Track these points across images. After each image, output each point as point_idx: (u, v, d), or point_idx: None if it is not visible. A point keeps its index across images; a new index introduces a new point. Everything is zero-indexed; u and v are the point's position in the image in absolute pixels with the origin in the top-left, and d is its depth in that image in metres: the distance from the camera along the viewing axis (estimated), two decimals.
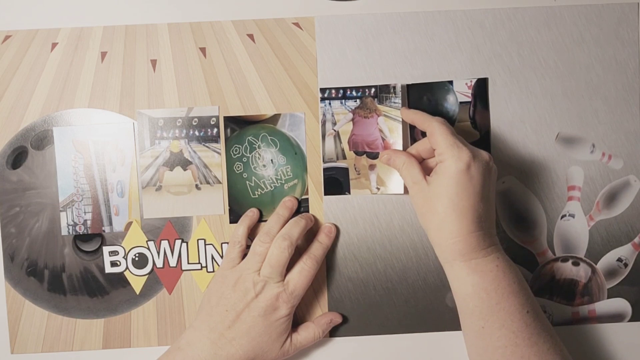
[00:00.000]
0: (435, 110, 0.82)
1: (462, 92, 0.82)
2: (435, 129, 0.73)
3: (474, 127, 0.82)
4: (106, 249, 0.82)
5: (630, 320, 0.84)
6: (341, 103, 0.82)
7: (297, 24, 0.81)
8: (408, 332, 0.84)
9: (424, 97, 0.82)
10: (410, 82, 0.82)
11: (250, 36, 0.81)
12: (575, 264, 0.83)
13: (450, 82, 0.82)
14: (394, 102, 0.81)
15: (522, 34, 0.82)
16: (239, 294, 0.76)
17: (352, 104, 0.82)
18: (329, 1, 0.81)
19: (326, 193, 0.83)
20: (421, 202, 0.73)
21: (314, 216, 0.83)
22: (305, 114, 0.82)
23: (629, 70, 0.82)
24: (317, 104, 0.82)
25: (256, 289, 0.76)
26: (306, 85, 0.82)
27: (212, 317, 0.76)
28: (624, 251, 0.83)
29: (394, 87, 0.81)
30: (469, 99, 0.82)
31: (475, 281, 0.71)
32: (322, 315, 0.83)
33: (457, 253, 0.71)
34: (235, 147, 0.82)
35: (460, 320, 0.74)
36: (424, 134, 0.79)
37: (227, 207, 0.82)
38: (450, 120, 0.81)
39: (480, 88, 0.82)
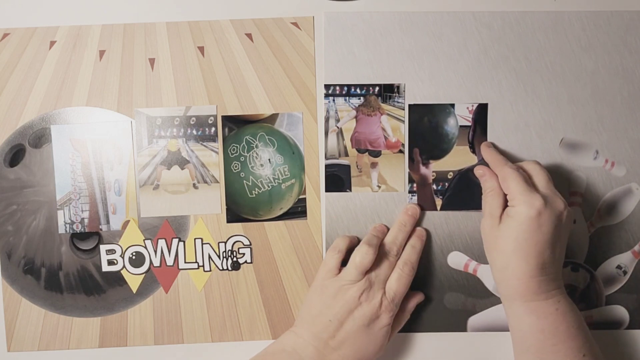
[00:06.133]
0: (436, 131, 0.82)
1: (463, 115, 0.81)
2: (507, 175, 0.73)
3: (473, 152, 0.82)
4: (103, 248, 0.82)
5: (627, 328, 0.84)
6: (345, 100, 0.81)
7: (295, 24, 0.81)
8: (405, 332, 0.84)
9: (424, 118, 0.81)
10: (413, 83, 0.81)
11: (249, 35, 0.81)
12: (575, 269, 0.83)
13: (452, 105, 0.81)
14: (398, 102, 0.81)
15: (530, 38, 0.81)
16: (341, 303, 0.76)
17: (355, 101, 0.81)
18: (328, 1, 0.80)
19: (327, 190, 0.82)
20: (489, 238, 0.74)
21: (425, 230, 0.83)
22: (303, 113, 0.82)
23: (635, 78, 0.81)
24: (315, 103, 0.81)
25: (361, 298, 0.75)
26: (304, 85, 0.81)
27: (315, 326, 0.76)
28: (624, 259, 0.83)
29: (398, 87, 0.81)
30: (469, 124, 0.81)
31: (533, 322, 0.71)
32: (406, 299, 0.81)
33: (518, 294, 0.72)
34: (233, 146, 0.82)
35: (514, 355, 0.75)
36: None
37: (224, 207, 0.82)
38: (449, 142, 0.82)
39: (481, 113, 0.81)
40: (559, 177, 0.82)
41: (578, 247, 0.83)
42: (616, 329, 0.84)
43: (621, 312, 0.83)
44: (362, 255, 0.76)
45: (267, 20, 0.81)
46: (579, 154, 0.82)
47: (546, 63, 0.81)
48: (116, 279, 0.83)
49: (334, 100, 0.81)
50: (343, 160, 0.82)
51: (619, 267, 0.83)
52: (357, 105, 0.82)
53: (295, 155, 0.82)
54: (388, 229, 0.82)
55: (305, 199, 0.83)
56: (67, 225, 0.82)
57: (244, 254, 0.83)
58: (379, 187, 0.82)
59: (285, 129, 0.82)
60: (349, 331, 0.75)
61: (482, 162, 0.80)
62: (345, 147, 0.82)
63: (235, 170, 0.82)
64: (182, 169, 0.82)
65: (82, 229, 0.82)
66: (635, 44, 0.81)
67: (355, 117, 0.82)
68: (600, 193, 0.82)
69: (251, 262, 0.83)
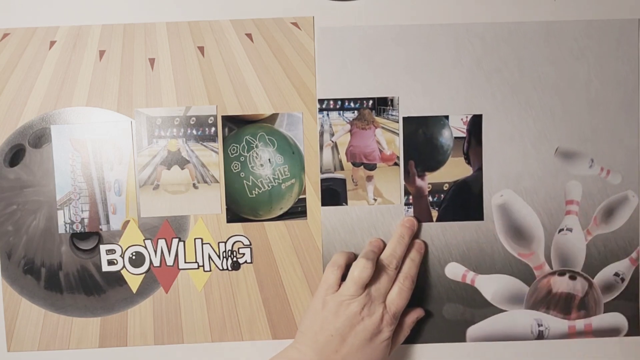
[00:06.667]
0: (430, 143, 0.81)
1: (457, 127, 0.81)
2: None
3: (468, 163, 0.82)
4: (103, 248, 0.82)
5: (626, 335, 0.84)
6: (339, 114, 0.81)
7: (295, 24, 0.80)
8: (405, 344, 0.83)
9: (419, 130, 0.81)
10: (407, 96, 0.81)
11: (249, 35, 0.80)
12: (572, 277, 0.83)
13: (446, 117, 0.81)
14: (392, 115, 0.81)
15: (522, 49, 0.81)
16: (343, 319, 0.75)
17: (350, 115, 0.81)
18: (328, 1, 0.80)
19: (324, 204, 0.82)
20: None
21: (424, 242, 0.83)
22: (303, 113, 0.81)
23: (629, 86, 0.81)
24: (315, 103, 0.81)
25: (362, 313, 0.76)
26: (304, 85, 0.81)
27: (318, 342, 0.76)
28: (621, 266, 0.83)
29: (392, 100, 0.80)
30: (464, 135, 0.81)
31: None
32: (406, 315, 0.81)
33: None
34: (233, 146, 0.82)
35: None
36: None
37: (224, 207, 0.82)
38: (444, 154, 0.82)
39: (476, 124, 0.81)
40: (555, 186, 0.82)
41: (575, 255, 0.83)
42: (615, 337, 0.84)
43: (620, 319, 0.83)
44: (360, 269, 0.76)
45: (267, 20, 0.80)
46: (574, 163, 0.82)
47: (539, 73, 0.81)
48: (116, 279, 0.83)
49: (327, 114, 0.81)
50: (338, 174, 0.82)
51: (616, 274, 0.83)
52: (351, 119, 0.81)
53: (295, 155, 0.82)
54: (384, 244, 0.82)
55: (305, 199, 0.82)
56: (67, 225, 0.82)
57: (244, 254, 0.83)
58: (375, 200, 0.82)
59: (285, 129, 0.82)
60: (352, 346, 0.75)
61: (478, 172, 0.81)
62: (340, 161, 0.82)
63: (235, 170, 0.82)
64: (182, 169, 0.82)
65: (82, 229, 0.82)
66: (628, 52, 0.81)
67: (350, 130, 0.82)
68: (596, 201, 0.82)
69: (251, 262, 0.83)
